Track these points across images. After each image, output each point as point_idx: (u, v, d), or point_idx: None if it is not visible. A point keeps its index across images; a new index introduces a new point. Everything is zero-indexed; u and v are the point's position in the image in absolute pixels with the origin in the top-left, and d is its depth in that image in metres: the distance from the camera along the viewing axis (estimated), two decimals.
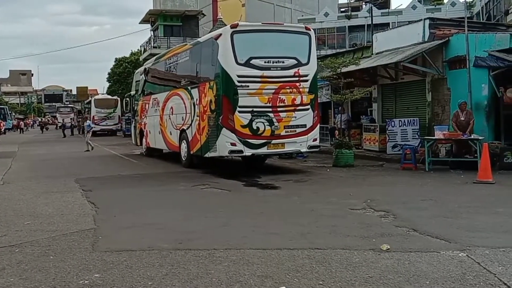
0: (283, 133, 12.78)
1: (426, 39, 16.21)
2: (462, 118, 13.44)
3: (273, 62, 12.69)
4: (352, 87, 17.13)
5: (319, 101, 14.98)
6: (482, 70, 13.85)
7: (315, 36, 14.49)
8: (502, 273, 4.81)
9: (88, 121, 27.70)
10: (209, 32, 20.87)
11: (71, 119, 56.38)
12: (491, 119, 14.00)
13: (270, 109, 12.65)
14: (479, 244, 5.79)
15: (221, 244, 6.03)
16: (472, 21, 20.36)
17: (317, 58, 14.16)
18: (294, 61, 12.91)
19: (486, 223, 7.04)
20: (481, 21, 30.39)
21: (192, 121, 14.33)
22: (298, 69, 12.93)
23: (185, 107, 14.89)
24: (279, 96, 12.71)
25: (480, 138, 12.74)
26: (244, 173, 13.24)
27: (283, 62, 12.79)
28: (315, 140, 13.33)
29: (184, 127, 14.93)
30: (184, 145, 15.04)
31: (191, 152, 14.44)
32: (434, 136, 13.71)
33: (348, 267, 5.11)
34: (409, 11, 47.02)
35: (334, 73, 16.07)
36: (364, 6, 54.44)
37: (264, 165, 15.14)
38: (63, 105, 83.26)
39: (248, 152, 12.61)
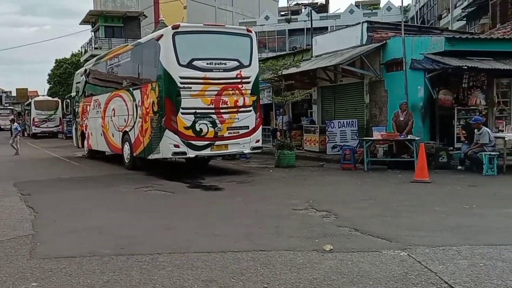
0: (226, 134, 12.64)
1: (364, 42, 16.46)
2: (402, 118, 13.74)
3: (215, 64, 12.53)
4: (293, 89, 17.21)
5: (261, 103, 14.95)
6: (418, 73, 14.14)
7: (256, 38, 14.42)
8: (443, 272, 4.84)
9: (15, 123, 26.29)
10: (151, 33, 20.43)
11: (10, 121, 53.91)
12: (427, 120, 14.31)
13: (213, 111, 12.48)
14: (419, 243, 5.83)
15: (165, 248, 5.82)
16: (408, 24, 20.91)
17: (259, 61, 14.12)
18: (236, 63, 12.81)
19: (425, 222, 7.14)
20: (417, 24, 31.44)
21: (134, 122, 13.95)
22: (240, 71, 12.83)
23: (127, 108, 14.47)
24: (221, 98, 12.56)
25: (416, 138, 13.06)
26: (188, 175, 12.99)
27: (225, 64, 12.66)
28: (257, 141, 13.26)
29: (127, 129, 14.51)
30: (126, 147, 14.61)
31: (134, 154, 14.04)
32: (372, 136, 13.95)
33: (292, 269, 5.02)
34: (347, 15, 48.03)
35: (275, 75, 16.10)
36: (303, 10, 55.20)
37: (207, 167, 14.93)
38: (2, 107, 79.49)
39: (191, 153, 12.39)
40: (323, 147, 16.89)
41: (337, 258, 5.35)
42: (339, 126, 16.44)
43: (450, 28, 27.86)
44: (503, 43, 14.90)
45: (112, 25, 40.13)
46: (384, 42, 15.63)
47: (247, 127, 12.94)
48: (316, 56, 18.90)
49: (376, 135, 13.68)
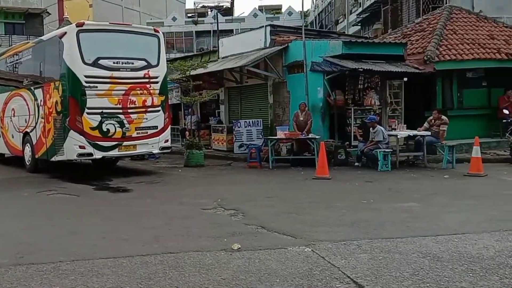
0: (134, 134, 12.15)
1: (267, 45, 16.61)
2: (301, 118, 14.03)
3: (122, 63, 12.03)
4: (201, 89, 17.02)
5: (169, 103, 14.62)
6: (318, 74, 14.45)
7: (164, 39, 14.06)
8: (345, 266, 4.89)
9: None
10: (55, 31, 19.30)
11: None
12: (326, 120, 14.69)
13: (121, 111, 11.96)
14: (322, 238, 5.89)
15: (68, 255, 5.40)
16: (308, 29, 21.37)
17: (167, 61, 13.79)
18: (143, 63, 12.36)
19: (327, 218, 7.26)
20: (316, 29, 32.42)
21: (36, 123, 13.05)
22: (148, 71, 12.41)
23: (28, 108, 13.51)
24: (129, 98, 12.07)
25: (317, 137, 13.36)
26: (95, 177, 12.35)
27: (132, 63, 12.18)
28: (166, 141, 12.90)
29: (28, 130, 13.54)
30: (28, 149, 13.62)
31: (36, 156, 13.12)
32: (276, 136, 14.10)
33: (201, 270, 4.86)
34: (251, 19, 48.66)
35: (183, 75, 15.81)
36: (209, 12, 54.97)
37: (115, 168, 14.30)
38: None
39: (98, 154, 11.79)
40: (231, 146, 16.85)
41: (245, 256, 5.27)
42: (246, 125, 16.47)
43: (346, 33, 28.97)
44: (394, 47, 15.60)
45: (12, 21, 37.64)
46: (286, 45, 15.84)
47: (156, 127, 12.55)
48: (223, 58, 18.84)
49: (280, 134, 13.86)
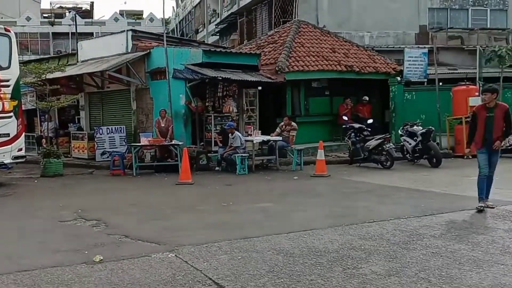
0: None
1: (129, 50, 16.10)
2: (163, 125, 13.91)
3: None
4: (58, 94, 15.96)
5: (23, 108, 13.49)
6: (180, 82, 14.35)
7: (17, 40, 12.95)
8: (207, 269, 4.95)
9: None
10: None
11: None
12: (188, 126, 14.65)
13: None
14: (185, 243, 5.88)
15: None
16: (170, 36, 21.14)
17: (20, 63, 12.71)
18: None
19: (190, 222, 7.29)
20: (178, 36, 32.25)
21: None
22: None
23: None
24: None
25: (179, 143, 13.33)
26: None
27: None
28: (20, 150, 11.87)
29: None
30: None
31: None
32: (139, 142, 13.78)
33: (60, 287, 4.57)
34: (112, 23, 46.98)
35: (39, 79, 14.68)
36: (67, 13, 51.84)
37: None
38: None
39: None
40: (92, 153, 15.95)
41: (108, 268, 5.07)
42: (108, 132, 15.74)
43: (206, 42, 29.26)
44: (250, 57, 16.16)
45: None
46: (148, 51, 15.51)
47: (7, 134, 11.51)
48: (83, 61, 17.83)
49: (144, 140, 13.57)
